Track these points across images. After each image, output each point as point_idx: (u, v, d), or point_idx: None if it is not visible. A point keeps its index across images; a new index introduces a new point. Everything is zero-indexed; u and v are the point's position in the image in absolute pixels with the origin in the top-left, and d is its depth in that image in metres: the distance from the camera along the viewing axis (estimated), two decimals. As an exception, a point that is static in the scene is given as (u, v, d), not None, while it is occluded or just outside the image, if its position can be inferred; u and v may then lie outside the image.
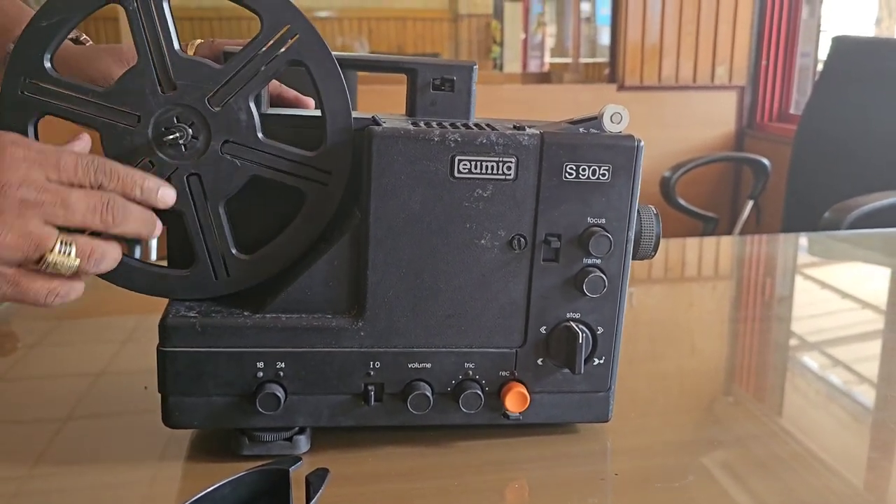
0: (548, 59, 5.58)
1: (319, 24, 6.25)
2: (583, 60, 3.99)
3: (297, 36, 0.49)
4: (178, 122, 0.49)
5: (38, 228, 0.43)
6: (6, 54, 0.49)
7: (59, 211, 0.43)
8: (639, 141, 0.52)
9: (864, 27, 3.38)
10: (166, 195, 0.48)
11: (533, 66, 5.68)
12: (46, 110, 0.48)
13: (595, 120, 0.53)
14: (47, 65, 0.48)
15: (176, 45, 0.49)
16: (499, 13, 5.90)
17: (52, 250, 0.44)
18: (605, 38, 3.18)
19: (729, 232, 2.69)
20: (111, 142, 0.49)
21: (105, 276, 0.50)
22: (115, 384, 0.66)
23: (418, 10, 6.34)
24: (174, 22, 0.49)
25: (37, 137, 0.49)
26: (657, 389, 0.68)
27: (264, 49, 0.49)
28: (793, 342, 0.83)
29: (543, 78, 4.01)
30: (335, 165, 0.51)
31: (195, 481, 0.51)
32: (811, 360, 0.78)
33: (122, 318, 0.86)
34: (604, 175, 0.51)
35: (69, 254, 0.44)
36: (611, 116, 0.53)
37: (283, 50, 0.49)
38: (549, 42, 5.73)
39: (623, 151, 0.51)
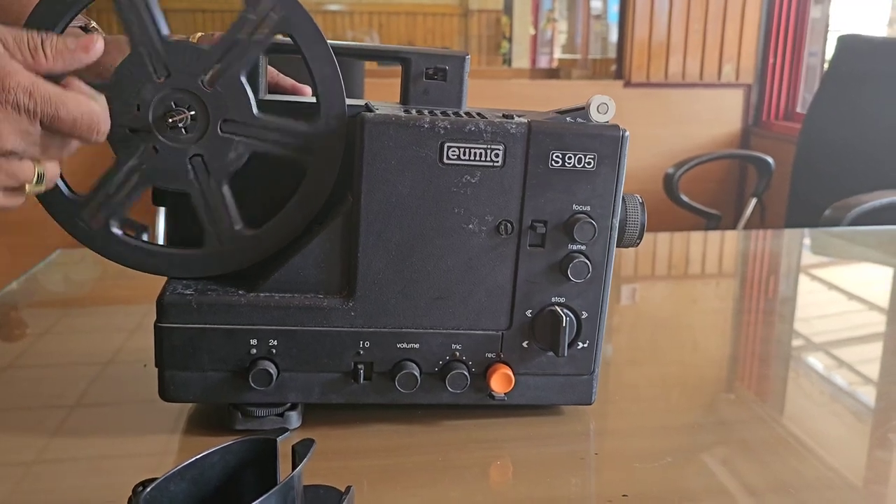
0: (558, 55, 5.59)
1: (330, 17, 6.26)
2: (591, 57, 3.99)
3: (280, 8, 0.51)
4: (176, 106, 0.50)
5: (21, 167, 0.46)
6: None
7: (41, 155, 0.47)
8: (623, 131, 0.53)
9: (875, 28, 3.37)
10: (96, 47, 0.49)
11: (542, 62, 5.68)
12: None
13: (582, 110, 0.55)
14: None
15: (164, 31, 0.50)
16: (509, 9, 5.91)
17: (30, 183, 0.47)
18: (616, 35, 3.18)
19: (732, 229, 2.70)
20: (131, 69, 0.50)
21: (120, 261, 0.53)
22: (124, 372, 0.67)
23: (428, 5, 6.35)
24: (160, 9, 0.50)
25: None
26: (654, 383, 0.69)
27: (248, 25, 0.50)
28: (796, 342, 0.83)
29: (552, 74, 4.02)
30: (330, 135, 0.53)
31: (190, 453, 0.53)
32: (814, 360, 0.78)
33: (130, 307, 0.87)
34: (589, 163, 0.53)
35: (41, 183, 0.48)
36: (597, 107, 0.54)
37: (267, 22, 0.50)
38: (561, 39, 5.74)
39: (608, 141, 0.53)
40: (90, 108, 0.47)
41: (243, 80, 0.51)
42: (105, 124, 0.48)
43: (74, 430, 0.57)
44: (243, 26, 0.50)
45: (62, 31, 0.50)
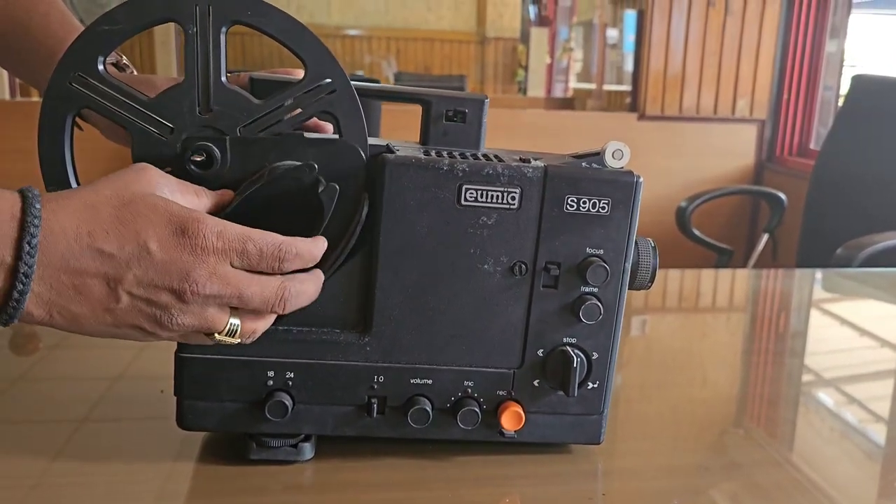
0: (573, 83, 5.62)
1: (349, 42, 6.34)
2: (606, 87, 4.02)
3: (335, 91, 0.53)
4: (208, 143, 0.52)
5: (215, 315, 0.47)
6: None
7: (236, 301, 0.47)
8: (637, 177, 0.54)
9: (891, 60, 3.37)
10: (322, 250, 0.51)
11: (557, 91, 5.72)
12: (89, 104, 0.51)
13: (598, 155, 0.56)
14: (100, 67, 0.51)
15: (223, 77, 0.52)
16: (525, 37, 5.97)
17: (220, 332, 0.48)
18: (630, 64, 3.21)
19: (743, 264, 2.70)
20: (141, 147, 0.51)
21: None
22: (133, 388, 0.69)
23: (446, 32, 6.42)
24: (226, 53, 0.52)
25: (72, 131, 0.52)
26: (664, 417, 0.70)
27: (301, 94, 0.52)
28: (806, 377, 0.84)
29: (566, 103, 4.05)
30: (328, 72, 0.53)
31: (205, 481, 0.54)
32: (825, 396, 0.79)
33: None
34: (603, 208, 0.54)
35: (234, 334, 0.48)
36: (612, 153, 0.55)
37: (319, 99, 0.53)
38: (576, 67, 5.77)
39: (622, 187, 0.54)
40: (275, 239, 0.48)
41: (225, 82, 0.52)
42: (295, 255, 0.49)
43: (81, 449, 0.58)
44: (194, 42, 0.51)
45: (110, 52, 0.52)
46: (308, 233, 0.53)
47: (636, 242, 0.57)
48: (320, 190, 0.52)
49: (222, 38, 0.52)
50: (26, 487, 0.53)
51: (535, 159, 0.56)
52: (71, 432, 0.60)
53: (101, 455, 0.57)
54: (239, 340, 0.49)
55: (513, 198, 0.53)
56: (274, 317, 0.50)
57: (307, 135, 0.59)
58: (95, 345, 0.83)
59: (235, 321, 0.48)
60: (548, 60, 5.78)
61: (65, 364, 0.76)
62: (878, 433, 0.71)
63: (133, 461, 0.56)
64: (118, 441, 0.60)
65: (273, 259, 0.48)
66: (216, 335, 0.48)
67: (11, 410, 0.65)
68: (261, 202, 0.53)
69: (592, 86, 4.39)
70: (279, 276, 0.49)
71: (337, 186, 0.52)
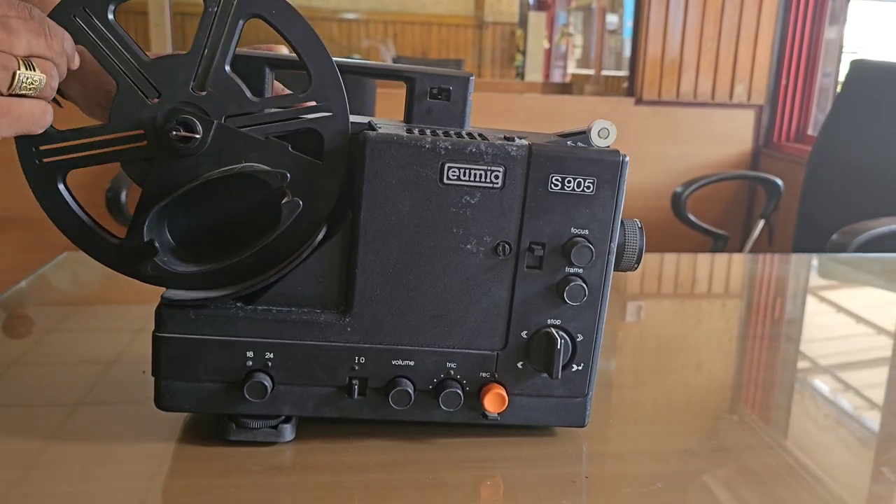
0: (572, 69, 5.60)
1: (346, 25, 6.30)
2: (604, 73, 4.01)
3: (332, 115, 0.52)
4: (176, 122, 0.50)
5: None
6: None
7: (3, 35, 0.44)
8: (623, 156, 0.53)
9: (890, 47, 3.35)
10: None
11: (555, 76, 5.70)
12: (84, 42, 0.50)
13: (584, 134, 0.55)
14: (110, 16, 0.50)
15: (227, 65, 0.51)
16: (523, 22, 5.93)
17: (18, 69, 0.45)
18: (630, 50, 3.19)
19: (739, 250, 2.69)
20: (123, 102, 0.50)
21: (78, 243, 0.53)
22: (128, 372, 0.68)
23: (443, 16, 6.38)
24: (131, 37, 0.50)
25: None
26: (657, 402, 0.69)
27: (214, 15, 0.50)
28: (801, 363, 0.83)
29: (564, 88, 4.03)
30: (331, 96, 0.52)
31: (184, 462, 0.54)
32: (820, 382, 0.78)
33: (136, 307, 0.88)
34: (588, 188, 0.53)
35: (34, 69, 0.46)
36: (598, 131, 0.54)
37: (314, 119, 0.52)
38: (576, 53, 5.75)
39: (608, 166, 0.53)
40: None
41: (228, 70, 0.51)
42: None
43: (73, 432, 0.57)
44: (211, 21, 0.50)
45: (112, 18, 0.50)
46: (257, 236, 0.53)
47: (622, 223, 0.56)
48: (283, 201, 0.51)
49: (239, 26, 0.51)
50: (24, 467, 0.52)
51: (520, 138, 0.55)
52: (65, 416, 0.60)
53: (92, 439, 0.57)
54: (44, 76, 0.46)
55: (496, 177, 0.52)
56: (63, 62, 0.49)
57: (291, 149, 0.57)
58: (90, 328, 0.82)
59: (26, 60, 0.45)
60: (546, 45, 5.75)
61: (59, 348, 0.75)
62: (873, 420, 0.70)
63: (115, 443, 0.56)
64: (110, 425, 0.59)
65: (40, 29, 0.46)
66: (18, 74, 0.45)
67: (5, 394, 0.64)
68: (223, 191, 0.52)
69: (591, 71, 4.37)
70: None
71: (301, 203, 0.52)
